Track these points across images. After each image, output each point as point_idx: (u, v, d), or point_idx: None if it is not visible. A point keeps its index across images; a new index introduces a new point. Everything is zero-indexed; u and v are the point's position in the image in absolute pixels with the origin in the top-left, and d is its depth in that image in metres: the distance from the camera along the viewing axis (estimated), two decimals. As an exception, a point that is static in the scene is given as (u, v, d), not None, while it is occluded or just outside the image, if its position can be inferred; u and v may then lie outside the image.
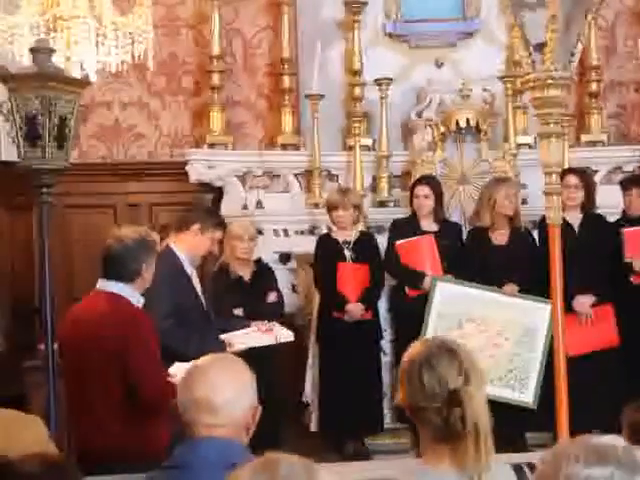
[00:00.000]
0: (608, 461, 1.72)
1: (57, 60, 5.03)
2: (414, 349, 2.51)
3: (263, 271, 6.62)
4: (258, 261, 6.62)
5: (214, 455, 2.55)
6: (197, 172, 7.78)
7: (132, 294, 4.23)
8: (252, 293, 6.40)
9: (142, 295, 4.34)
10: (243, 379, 2.68)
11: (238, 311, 6.25)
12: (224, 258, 6.47)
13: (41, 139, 4.35)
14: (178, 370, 4.26)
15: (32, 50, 4.54)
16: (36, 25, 6.16)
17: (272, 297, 6.48)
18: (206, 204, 7.68)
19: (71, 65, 6.24)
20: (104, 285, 4.26)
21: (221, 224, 5.56)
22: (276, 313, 6.28)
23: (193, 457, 2.57)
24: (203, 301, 5.47)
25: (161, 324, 4.76)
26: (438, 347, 2.48)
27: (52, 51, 4.58)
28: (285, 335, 5.72)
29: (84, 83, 4.89)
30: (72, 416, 4.37)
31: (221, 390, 2.61)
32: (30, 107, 4.35)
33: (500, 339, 6.26)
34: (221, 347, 5.23)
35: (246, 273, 6.49)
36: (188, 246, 5.37)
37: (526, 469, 2.58)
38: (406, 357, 2.52)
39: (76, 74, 6.00)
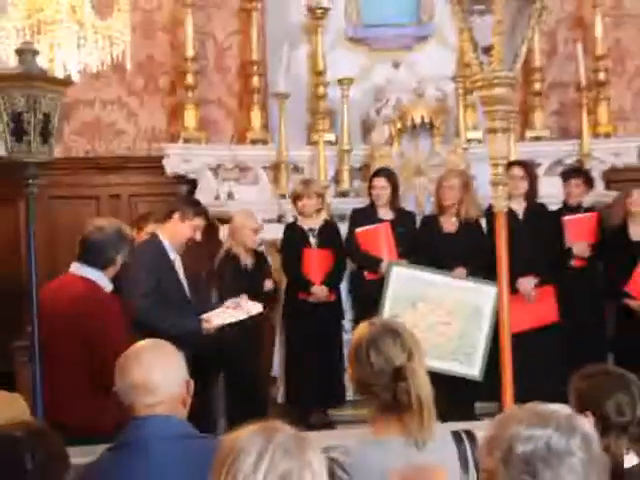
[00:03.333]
0: (548, 424, 1.77)
1: (41, 61, 4.98)
2: (360, 331, 2.60)
3: (261, 259, 6.69)
4: (255, 249, 6.67)
5: (158, 430, 2.59)
6: (173, 165, 7.76)
7: (104, 281, 4.31)
8: (254, 279, 6.43)
9: (124, 277, 4.47)
10: (172, 358, 2.72)
11: (243, 297, 6.25)
12: (231, 246, 6.48)
13: (27, 134, 4.31)
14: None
15: (18, 52, 4.49)
16: (22, 29, 6.12)
17: (269, 285, 6.54)
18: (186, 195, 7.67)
19: (55, 66, 6.21)
20: (80, 269, 4.33)
21: (200, 212, 5.54)
22: (272, 299, 6.36)
23: (140, 434, 2.60)
24: (185, 285, 5.47)
25: (139, 302, 5.04)
26: (382, 328, 2.57)
27: (36, 53, 4.52)
28: (255, 307, 5.76)
29: (67, 82, 4.83)
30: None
31: (155, 371, 2.64)
32: (16, 105, 4.31)
33: (450, 318, 6.30)
34: (198, 323, 5.30)
35: (249, 261, 6.52)
36: (170, 234, 5.40)
37: (464, 436, 2.65)
38: (354, 339, 2.61)
39: (59, 74, 5.96)
